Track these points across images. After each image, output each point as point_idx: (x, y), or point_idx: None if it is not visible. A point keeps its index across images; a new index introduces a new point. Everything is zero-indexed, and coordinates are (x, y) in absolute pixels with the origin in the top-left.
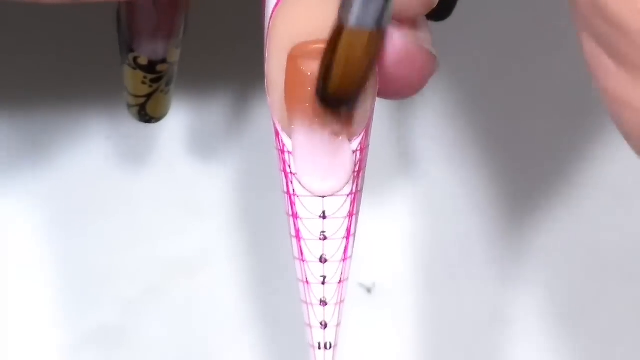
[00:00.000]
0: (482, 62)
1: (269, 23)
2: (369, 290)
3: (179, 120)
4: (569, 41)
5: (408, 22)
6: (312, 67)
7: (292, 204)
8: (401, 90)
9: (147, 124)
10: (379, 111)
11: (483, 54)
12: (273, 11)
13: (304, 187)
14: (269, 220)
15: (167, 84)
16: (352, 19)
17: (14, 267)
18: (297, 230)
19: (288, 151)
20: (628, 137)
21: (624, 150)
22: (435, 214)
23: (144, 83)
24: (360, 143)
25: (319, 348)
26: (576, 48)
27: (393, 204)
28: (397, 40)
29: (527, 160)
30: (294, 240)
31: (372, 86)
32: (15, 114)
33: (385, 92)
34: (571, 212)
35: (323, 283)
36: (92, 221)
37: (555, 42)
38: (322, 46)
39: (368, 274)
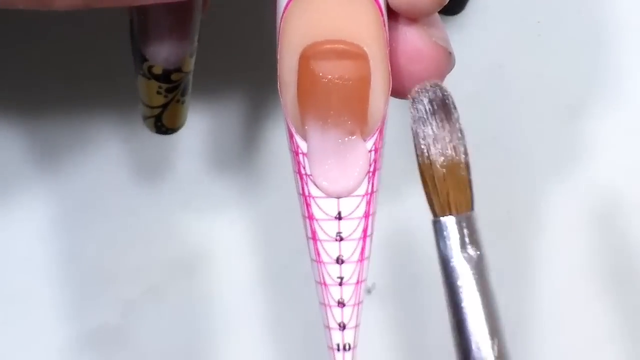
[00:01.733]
0: (490, 61)
1: (280, 24)
2: (369, 291)
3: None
4: (570, 41)
5: (422, 19)
6: (323, 68)
7: (308, 205)
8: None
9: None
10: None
11: (491, 54)
12: (284, 12)
13: (318, 189)
14: (269, 221)
15: (183, 94)
16: None
17: (16, 267)
18: (313, 232)
19: (302, 153)
20: None
21: (624, 151)
22: None
23: (159, 93)
24: (375, 143)
25: (338, 350)
26: (576, 48)
27: (393, 204)
28: (411, 37)
29: (529, 161)
30: (310, 242)
31: (385, 84)
32: (25, 121)
33: (400, 91)
34: (571, 212)
35: (340, 284)
36: (92, 222)
37: (557, 42)
38: (332, 46)
39: (368, 274)
